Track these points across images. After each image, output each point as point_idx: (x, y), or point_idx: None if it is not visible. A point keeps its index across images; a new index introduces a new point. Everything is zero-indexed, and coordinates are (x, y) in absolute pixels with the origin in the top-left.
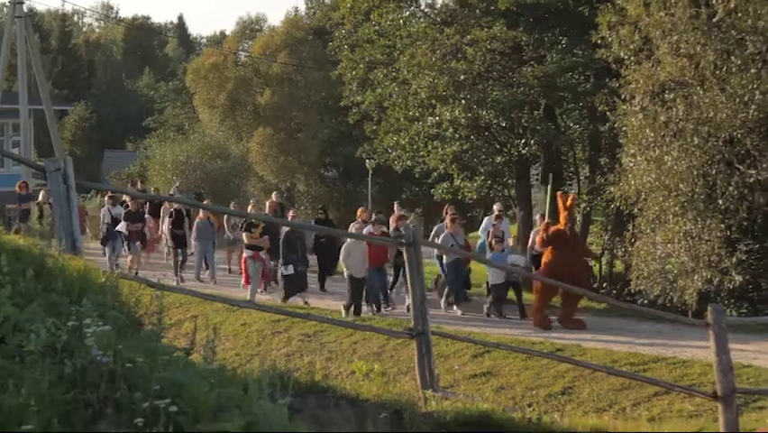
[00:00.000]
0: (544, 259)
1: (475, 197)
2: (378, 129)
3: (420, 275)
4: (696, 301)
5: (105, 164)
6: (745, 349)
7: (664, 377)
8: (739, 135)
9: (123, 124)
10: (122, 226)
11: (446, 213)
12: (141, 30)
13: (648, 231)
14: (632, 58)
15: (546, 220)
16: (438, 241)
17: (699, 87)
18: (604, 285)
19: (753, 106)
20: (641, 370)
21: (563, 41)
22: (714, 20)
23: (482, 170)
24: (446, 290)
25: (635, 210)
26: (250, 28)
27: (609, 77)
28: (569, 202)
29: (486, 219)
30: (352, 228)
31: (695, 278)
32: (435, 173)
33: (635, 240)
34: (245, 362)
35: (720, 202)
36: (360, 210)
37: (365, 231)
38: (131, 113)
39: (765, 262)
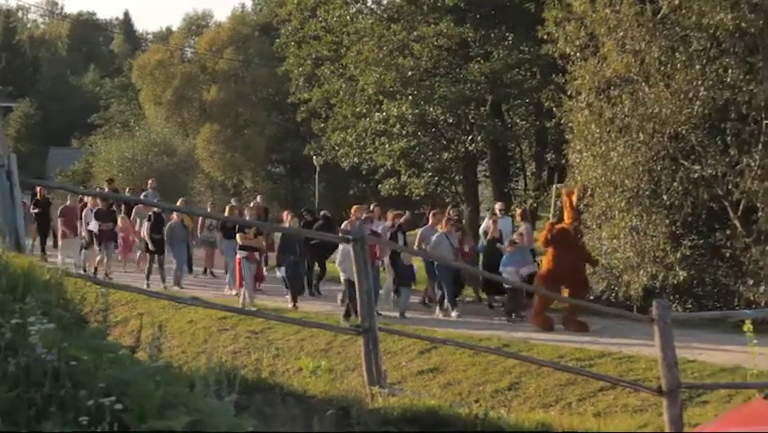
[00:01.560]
0: (546, 259)
1: (422, 193)
2: (325, 126)
3: (367, 271)
4: (641, 297)
5: (50, 161)
6: (690, 344)
7: (610, 372)
8: (684, 131)
9: (68, 120)
10: (93, 226)
11: (431, 215)
12: (86, 26)
13: (594, 226)
14: (578, 54)
15: (551, 220)
16: (432, 241)
17: (644, 84)
18: None
19: (697, 102)
20: (587, 365)
21: (510, 38)
22: (659, 16)
23: (429, 167)
24: (439, 294)
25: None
26: (196, 24)
27: (555, 73)
28: (575, 199)
29: (487, 220)
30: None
31: (640, 273)
32: (382, 170)
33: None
34: (191, 359)
35: (665, 198)
36: (354, 208)
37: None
38: (76, 109)
39: (710, 258)
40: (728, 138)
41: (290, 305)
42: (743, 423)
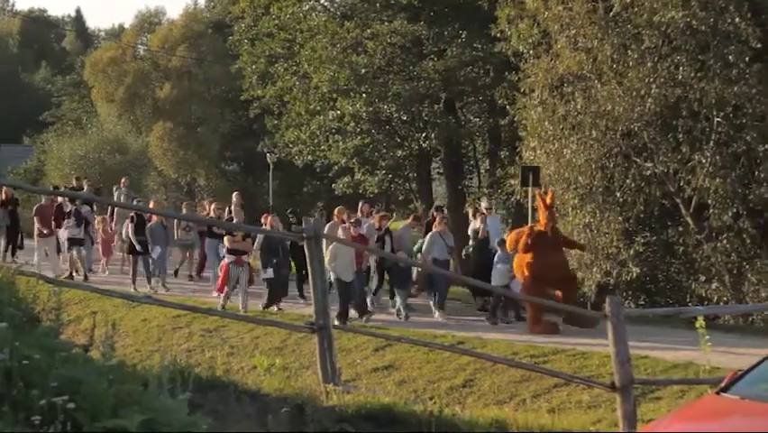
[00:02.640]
0: (527, 264)
1: (376, 190)
2: (279, 123)
3: (322, 269)
4: (595, 293)
5: (1, 159)
6: (643, 341)
7: (564, 369)
8: (636, 129)
9: (19, 118)
10: (62, 233)
11: (412, 218)
12: (37, 23)
13: None
14: (531, 51)
15: (530, 224)
16: (425, 241)
17: (596, 81)
18: None
19: (649, 100)
20: (541, 362)
21: (463, 36)
22: (611, 14)
23: (383, 164)
24: (434, 295)
25: (535, 204)
26: (149, 21)
27: (509, 70)
28: (549, 200)
29: (475, 220)
30: (340, 231)
31: (594, 270)
32: (336, 167)
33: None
34: (145, 358)
35: (618, 195)
36: (337, 210)
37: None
38: (27, 107)
39: (662, 255)
40: (680, 135)
41: (261, 306)
42: (695, 419)
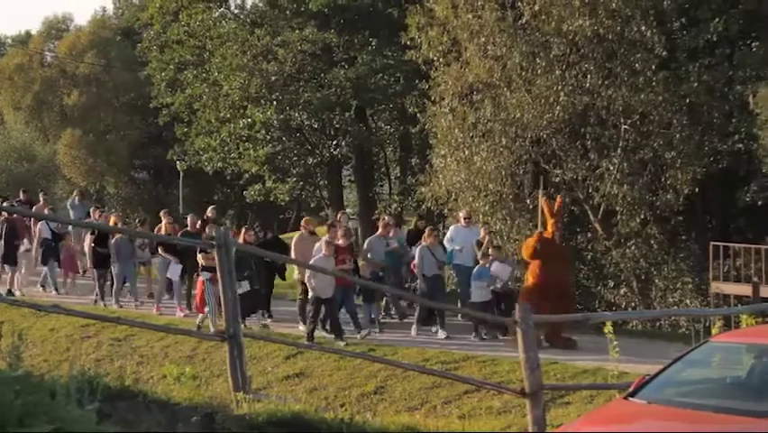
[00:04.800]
0: (531, 271)
1: (287, 198)
2: (188, 130)
3: (231, 278)
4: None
5: None
6: (553, 346)
7: (474, 375)
8: (545, 136)
9: None
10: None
11: (380, 223)
12: None
13: None
14: (441, 59)
15: (538, 230)
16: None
17: (506, 89)
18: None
19: (558, 107)
20: (452, 368)
21: (374, 43)
22: (520, 22)
23: (294, 172)
24: (417, 310)
25: (446, 210)
26: (56, 28)
27: (419, 78)
28: (556, 207)
29: (452, 228)
30: (320, 246)
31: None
32: (247, 175)
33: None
34: (53, 368)
35: (528, 202)
36: (304, 221)
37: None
38: None
39: (571, 261)
40: (588, 143)
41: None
42: (604, 423)
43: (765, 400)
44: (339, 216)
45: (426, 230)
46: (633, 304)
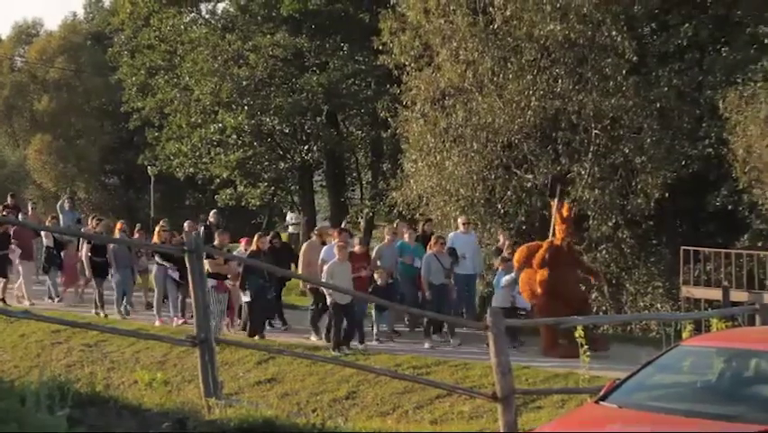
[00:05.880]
0: (541, 280)
1: (258, 203)
2: (159, 135)
3: (203, 283)
4: (478, 304)
5: None
6: (524, 351)
7: (446, 380)
8: (517, 141)
9: None
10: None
11: (391, 233)
12: None
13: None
14: (413, 64)
15: (549, 238)
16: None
17: (477, 94)
18: None
19: (529, 112)
20: (423, 373)
21: (345, 48)
22: (492, 27)
23: (266, 177)
24: (426, 322)
25: (417, 215)
26: (26, 33)
27: (391, 83)
28: (566, 212)
29: (451, 235)
30: (331, 251)
31: (476, 281)
32: (218, 180)
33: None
34: (24, 374)
35: (499, 206)
36: (318, 230)
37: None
38: None
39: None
40: (559, 147)
41: (248, 334)
42: (575, 427)
43: (736, 403)
44: (344, 226)
45: (433, 237)
46: (604, 308)
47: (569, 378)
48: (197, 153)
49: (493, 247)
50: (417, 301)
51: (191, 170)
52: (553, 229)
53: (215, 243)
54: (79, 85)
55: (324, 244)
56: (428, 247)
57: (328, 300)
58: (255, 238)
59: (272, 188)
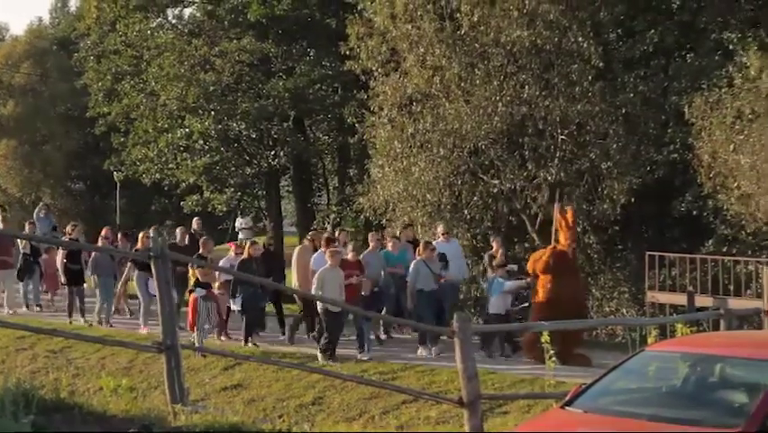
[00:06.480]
0: (542, 285)
1: (225, 209)
2: (125, 141)
3: (168, 289)
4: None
5: None
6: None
7: (412, 385)
8: (483, 146)
9: None
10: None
11: (375, 239)
12: None
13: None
14: (380, 69)
15: (553, 244)
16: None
17: (444, 99)
18: None
19: (496, 118)
20: (390, 378)
21: (312, 53)
22: (459, 33)
23: (232, 182)
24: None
25: (384, 220)
26: None
27: (358, 88)
28: (570, 218)
29: (435, 243)
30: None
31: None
32: (184, 185)
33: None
34: None
35: (466, 212)
36: (312, 234)
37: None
38: None
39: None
40: (526, 153)
41: (242, 343)
42: (540, 432)
43: (700, 408)
44: (338, 234)
45: (422, 243)
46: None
47: (535, 383)
48: (164, 159)
49: (486, 254)
50: (401, 309)
51: (157, 175)
52: (555, 235)
53: (201, 251)
54: (45, 90)
55: (316, 249)
56: (417, 253)
57: (319, 308)
58: (247, 245)
59: (239, 193)
